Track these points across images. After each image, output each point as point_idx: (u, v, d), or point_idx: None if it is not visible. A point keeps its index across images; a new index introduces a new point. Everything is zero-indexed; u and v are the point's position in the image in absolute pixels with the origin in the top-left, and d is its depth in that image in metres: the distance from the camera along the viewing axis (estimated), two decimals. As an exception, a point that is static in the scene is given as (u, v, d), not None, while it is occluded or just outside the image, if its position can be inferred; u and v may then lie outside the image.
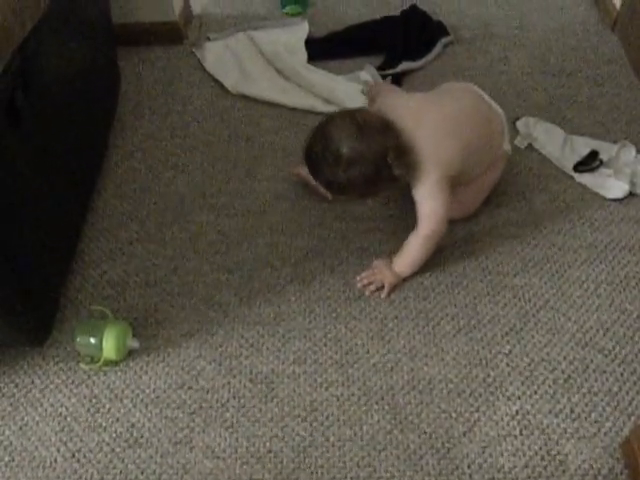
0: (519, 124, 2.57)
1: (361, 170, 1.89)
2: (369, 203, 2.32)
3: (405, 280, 2.11)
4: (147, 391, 1.88)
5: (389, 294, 2.08)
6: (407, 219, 2.23)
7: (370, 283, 2.09)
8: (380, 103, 2.15)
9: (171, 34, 3.05)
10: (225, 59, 2.90)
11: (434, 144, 2.01)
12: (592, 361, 1.91)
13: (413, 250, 2.07)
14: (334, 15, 3.17)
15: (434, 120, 2.05)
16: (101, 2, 2.52)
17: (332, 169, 1.91)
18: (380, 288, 2.09)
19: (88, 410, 1.85)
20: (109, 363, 1.92)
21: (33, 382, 1.91)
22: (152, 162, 2.51)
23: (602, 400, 1.83)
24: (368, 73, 2.77)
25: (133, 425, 1.82)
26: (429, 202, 2.02)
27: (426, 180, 2.00)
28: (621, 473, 1.70)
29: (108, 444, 1.79)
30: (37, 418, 1.84)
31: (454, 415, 1.81)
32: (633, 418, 1.79)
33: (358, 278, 2.11)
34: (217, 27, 3.16)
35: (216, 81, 2.84)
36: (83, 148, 2.24)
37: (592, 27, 3.08)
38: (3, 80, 1.58)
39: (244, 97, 2.76)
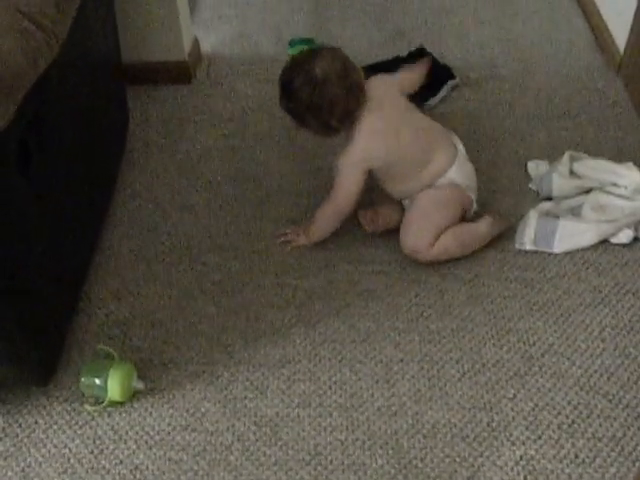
0: (530, 166, 2.60)
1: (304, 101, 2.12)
2: (375, 244, 2.35)
3: (410, 323, 2.12)
4: (151, 433, 1.88)
5: (293, 248, 2.35)
6: (413, 264, 2.27)
7: (285, 237, 2.38)
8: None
9: (180, 74, 3.09)
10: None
11: (371, 134, 2.19)
12: (596, 406, 1.90)
13: (319, 215, 2.31)
14: (341, 56, 3.20)
15: (387, 117, 2.23)
16: (111, 42, 2.55)
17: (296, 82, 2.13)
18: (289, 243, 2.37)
19: (92, 451, 1.85)
20: (114, 404, 1.92)
21: (37, 422, 1.91)
22: (160, 201, 2.53)
23: (606, 445, 1.82)
24: None
25: (137, 467, 1.82)
26: (343, 176, 2.22)
27: (350, 155, 2.19)
28: (625, 520, 1.70)
29: (111, 486, 1.79)
30: (40, 459, 1.84)
31: (458, 460, 1.80)
32: (638, 464, 1.78)
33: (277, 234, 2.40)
34: (226, 67, 3.19)
35: (221, 119, 2.87)
36: (91, 187, 2.26)
37: (596, 70, 3.11)
38: (16, 122, 1.59)
39: (251, 137, 2.79)
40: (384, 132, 2.21)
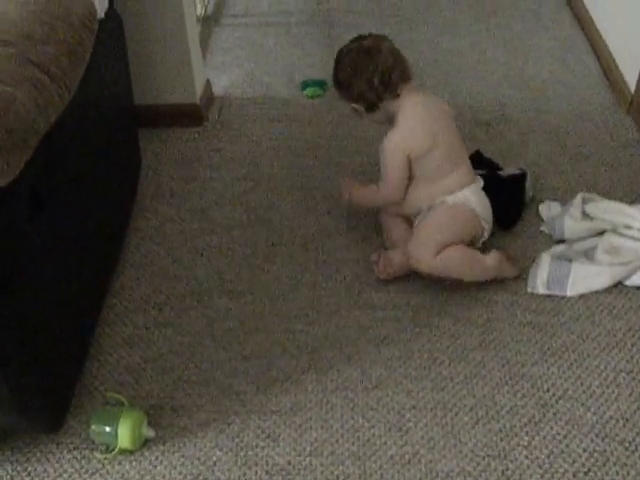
0: (542, 208, 2.59)
1: (351, 64, 2.30)
2: (386, 289, 2.34)
3: (423, 370, 2.10)
4: (162, 482, 1.87)
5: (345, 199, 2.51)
6: (425, 309, 2.25)
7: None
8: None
9: (192, 116, 3.10)
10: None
11: (414, 117, 2.31)
12: (612, 453, 1.88)
13: (369, 194, 2.45)
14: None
15: (427, 106, 2.37)
16: (124, 87, 2.56)
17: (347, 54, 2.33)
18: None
19: (102, 501, 1.84)
20: (124, 452, 1.91)
21: (46, 471, 1.89)
22: (171, 245, 2.53)
23: (623, 494, 1.80)
24: None
25: (147, 517, 1.81)
26: (388, 166, 2.33)
27: (392, 136, 2.30)
28: None
29: (122, 537, 1.77)
30: (50, 508, 1.83)
31: (473, 510, 1.78)
32: (655, 513, 1.76)
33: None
34: (238, 109, 3.21)
35: (233, 162, 2.88)
36: (103, 231, 2.26)
37: (607, 110, 3.12)
38: (27, 171, 1.59)
39: (262, 180, 2.80)
40: (426, 118, 2.31)
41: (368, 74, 2.25)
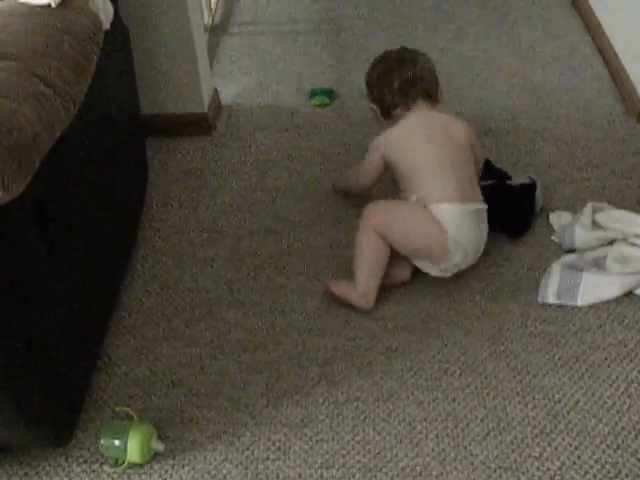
0: (552, 218, 2.58)
1: (383, 66, 2.47)
2: (397, 300, 2.33)
3: (434, 381, 2.09)
4: (172, 496, 1.86)
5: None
6: (436, 320, 2.25)
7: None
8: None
9: (200, 126, 3.09)
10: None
11: (405, 130, 2.38)
12: (624, 465, 1.86)
13: (347, 177, 2.71)
14: (359, 106, 3.19)
15: (428, 128, 2.39)
16: (130, 98, 2.56)
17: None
18: None
19: (111, 515, 1.83)
20: (133, 466, 1.90)
21: (55, 485, 1.89)
22: (179, 256, 2.52)
23: (636, 506, 1.79)
24: None
25: (157, 531, 1.80)
26: (367, 158, 2.49)
27: (379, 137, 2.44)
28: None
29: None
30: (60, 522, 1.82)
31: (484, 523, 1.77)
32: (668, 526, 1.75)
33: None
34: (246, 118, 3.20)
35: (241, 171, 2.88)
36: (110, 242, 2.26)
37: (617, 118, 3.10)
38: (33, 185, 1.58)
39: (271, 190, 2.80)
40: (419, 134, 2.36)
41: (393, 76, 2.39)
